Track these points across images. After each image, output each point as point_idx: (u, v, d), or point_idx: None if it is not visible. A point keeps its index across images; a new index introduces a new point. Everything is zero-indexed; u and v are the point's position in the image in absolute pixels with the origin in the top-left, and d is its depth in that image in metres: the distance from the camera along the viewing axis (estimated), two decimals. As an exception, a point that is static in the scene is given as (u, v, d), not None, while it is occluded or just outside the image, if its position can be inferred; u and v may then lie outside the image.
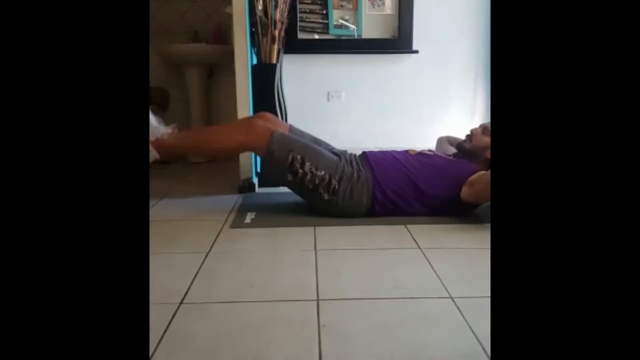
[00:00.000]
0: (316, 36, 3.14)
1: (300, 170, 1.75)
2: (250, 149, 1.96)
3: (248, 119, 2.02)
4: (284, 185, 1.86)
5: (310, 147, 1.82)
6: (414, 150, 1.94)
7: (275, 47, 2.20)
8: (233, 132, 1.87)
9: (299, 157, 1.76)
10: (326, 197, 1.77)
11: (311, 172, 1.75)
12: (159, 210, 1.96)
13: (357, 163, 1.86)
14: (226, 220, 1.80)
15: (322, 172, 1.76)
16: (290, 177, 1.78)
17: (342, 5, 3.14)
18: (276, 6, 2.16)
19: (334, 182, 1.76)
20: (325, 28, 3.14)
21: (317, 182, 1.75)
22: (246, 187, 2.21)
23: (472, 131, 1.92)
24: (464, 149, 1.90)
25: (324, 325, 1.04)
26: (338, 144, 3.03)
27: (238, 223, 1.77)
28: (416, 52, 3.07)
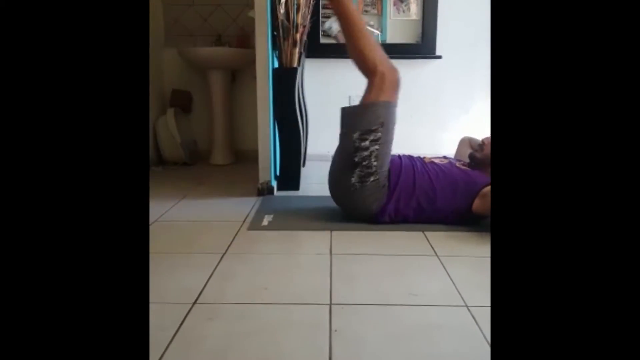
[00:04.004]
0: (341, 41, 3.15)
1: (365, 143, 1.70)
2: (371, 75, 1.79)
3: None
4: (344, 131, 1.79)
5: (391, 141, 1.78)
6: (429, 158, 1.91)
7: (297, 50, 2.21)
8: (379, 52, 1.81)
9: (379, 134, 1.71)
10: (353, 180, 1.73)
11: (370, 153, 1.71)
12: (178, 211, 1.98)
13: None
14: (244, 222, 1.81)
15: (376, 163, 1.71)
16: (356, 135, 1.71)
17: (367, 11, 3.15)
18: (298, 10, 2.16)
19: (371, 177, 1.72)
20: (350, 33, 3.15)
21: (364, 163, 1.71)
22: (265, 190, 2.22)
23: (483, 140, 1.89)
24: (476, 159, 1.86)
25: (335, 330, 1.03)
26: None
27: (255, 225, 1.77)
28: (439, 57, 3.04)
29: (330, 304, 1.15)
